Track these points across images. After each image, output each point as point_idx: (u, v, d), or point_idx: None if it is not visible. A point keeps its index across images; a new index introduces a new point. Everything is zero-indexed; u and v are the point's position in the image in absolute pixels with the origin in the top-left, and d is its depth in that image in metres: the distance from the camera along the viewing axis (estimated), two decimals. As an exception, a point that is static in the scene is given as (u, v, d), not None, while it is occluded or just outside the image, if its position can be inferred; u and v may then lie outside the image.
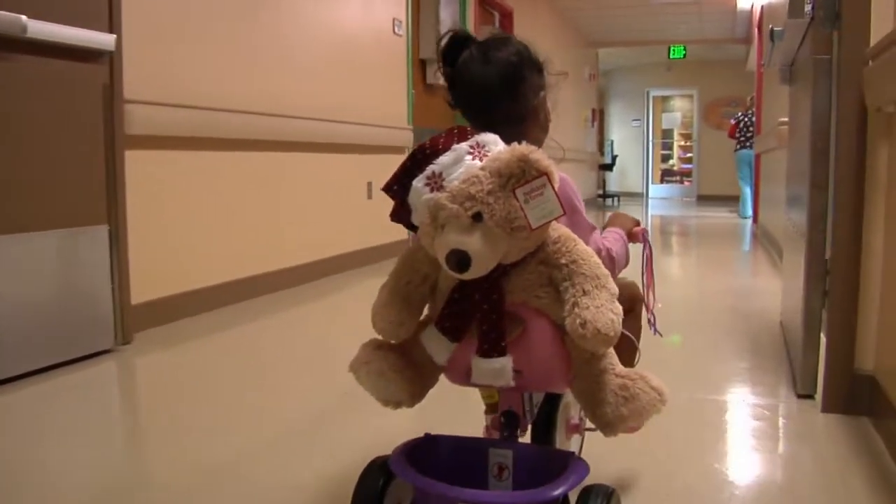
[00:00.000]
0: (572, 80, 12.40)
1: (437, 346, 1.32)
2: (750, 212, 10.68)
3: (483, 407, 1.56)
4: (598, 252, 1.42)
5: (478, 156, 1.25)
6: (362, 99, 5.68)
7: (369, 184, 5.82)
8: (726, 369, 3.07)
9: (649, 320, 1.71)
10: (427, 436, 1.41)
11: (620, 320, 1.23)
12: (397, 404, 1.36)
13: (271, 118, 4.56)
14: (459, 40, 1.50)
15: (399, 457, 1.32)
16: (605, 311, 1.21)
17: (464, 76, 1.48)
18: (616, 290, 1.26)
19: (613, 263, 1.51)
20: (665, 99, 18.75)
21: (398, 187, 1.30)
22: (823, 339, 2.52)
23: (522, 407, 1.46)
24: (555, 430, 1.65)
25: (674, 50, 15.14)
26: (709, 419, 2.46)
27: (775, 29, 2.98)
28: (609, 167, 17.11)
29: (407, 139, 6.36)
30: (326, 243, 5.26)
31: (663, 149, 18.88)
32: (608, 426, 1.32)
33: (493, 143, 1.28)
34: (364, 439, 2.21)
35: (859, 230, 2.35)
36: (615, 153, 17.76)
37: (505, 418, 1.43)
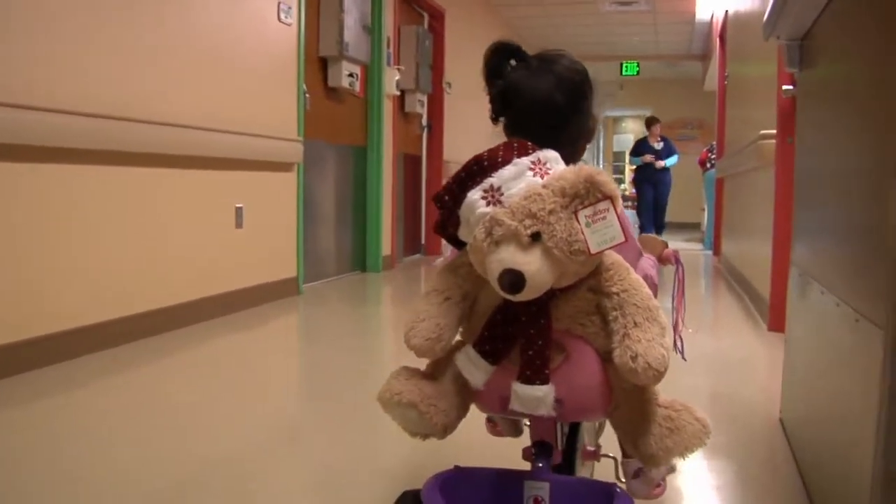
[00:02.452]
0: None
1: (475, 369, 1.25)
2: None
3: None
4: (645, 279, 1.33)
5: (539, 173, 1.20)
6: (231, 101, 4.39)
7: (238, 209, 4.52)
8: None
9: (676, 344, 1.51)
10: (457, 468, 1.32)
11: (669, 355, 1.18)
12: (426, 436, 1.30)
13: (103, 121, 3.32)
14: (508, 51, 1.42)
15: (432, 490, 1.26)
16: (655, 346, 1.16)
17: (524, 91, 1.40)
18: (666, 323, 1.22)
19: (656, 291, 1.43)
20: (616, 120, 17.79)
21: (449, 198, 1.24)
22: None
23: (555, 436, 1.38)
24: (577, 459, 1.49)
25: (627, 66, 14.10)
26: None
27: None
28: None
29: (295, 153, 5.06)
30: (177, 287, 3.96)
31: (614, 173, 17.87)
32: (651, 458, 1.26)
33: (555, 161, 1.23)
34: None
35: None
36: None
37: (538, 448, 1.34)
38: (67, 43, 3.23)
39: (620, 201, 1.17)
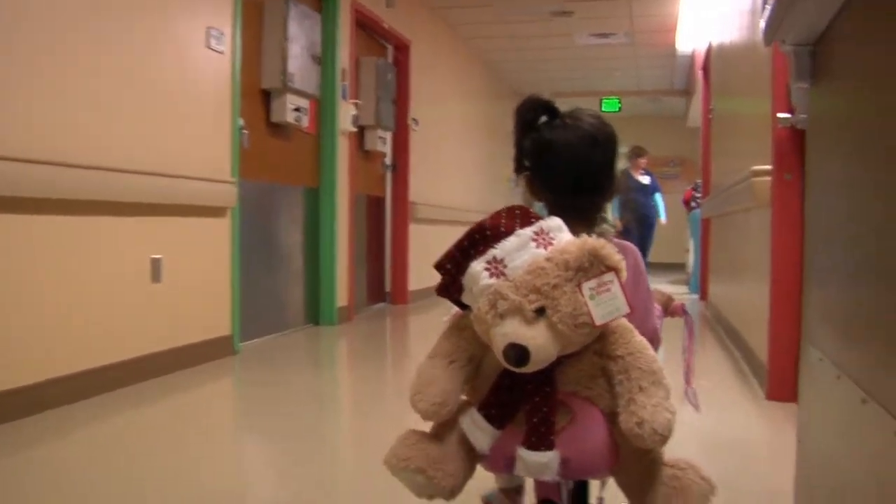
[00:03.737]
0: (491, 134, 10.71)
1: (480, 433, 1.25)
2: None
3: (492, 486, 1.59)
4: (655, 333, 1.42)
5: (542, 244, 1.20)
6: (147, 137, 3.81)
7: (155, 260, 3.92)
8: None
9: (688, 396, 1.57)
10: None
11: (675, 419, 1.19)
12: (432, 497, 1.30)
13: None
14: (540, 105, 1.46)
15: None
16: (661, 411, 1.17)
17: (558, 146, 1.42)
18: (671, 386, 1.22)
19: (658, 346, 1.43)
20: (598, 158, 17.36)
21: (451, 266, 1.25)
22: None
23: (559, 494, 1.41)
24: None
25: (607, 103, 13.64)
26: None
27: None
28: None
29: (227, 196, 4.47)
30: (81, 352, 3.34)
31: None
32: None
33: (558, 230, 1.24)
34: None
35: None
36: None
37: None
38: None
39: (625, 272, 1.18)
